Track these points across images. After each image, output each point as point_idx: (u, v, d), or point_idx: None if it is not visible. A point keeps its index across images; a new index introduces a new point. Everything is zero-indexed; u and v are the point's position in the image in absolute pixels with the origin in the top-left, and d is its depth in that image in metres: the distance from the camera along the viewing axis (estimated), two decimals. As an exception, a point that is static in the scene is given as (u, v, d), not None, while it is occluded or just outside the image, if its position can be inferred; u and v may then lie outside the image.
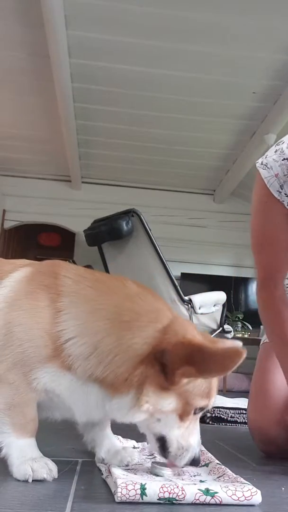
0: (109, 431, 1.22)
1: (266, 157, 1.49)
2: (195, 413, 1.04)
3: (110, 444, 1.21)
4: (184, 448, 1.03)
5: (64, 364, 1.01)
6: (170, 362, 0.96)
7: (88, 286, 1.07)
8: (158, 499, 0.93)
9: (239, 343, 1.05)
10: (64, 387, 1.03)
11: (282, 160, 1.44)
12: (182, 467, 1.07)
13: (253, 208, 1.53)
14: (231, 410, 2.16)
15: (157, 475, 1.07)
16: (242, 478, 1.04)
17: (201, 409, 1.04)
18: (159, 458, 1.16)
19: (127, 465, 1.16)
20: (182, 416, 1.01)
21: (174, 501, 0.93)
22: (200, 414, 1.06)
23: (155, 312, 1.04)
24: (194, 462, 1.05)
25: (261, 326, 3.58)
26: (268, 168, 1.46)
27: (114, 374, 0.98)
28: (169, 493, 0.93)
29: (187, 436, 1.03)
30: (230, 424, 2.13)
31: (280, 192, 1.44)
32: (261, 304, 1.51)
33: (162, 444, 1.04)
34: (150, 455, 1.27)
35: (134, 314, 1.02)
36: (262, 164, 1.48)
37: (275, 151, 1.47)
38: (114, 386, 0.99)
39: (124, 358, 0.98)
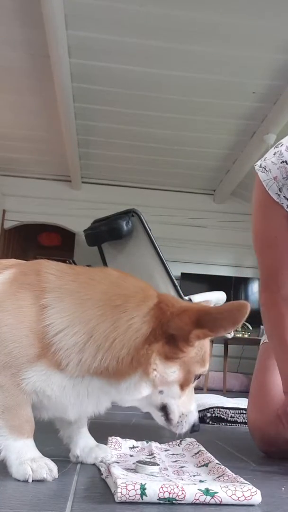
0: (85, 430, 1.23)
1: (264, 160, 1.49)
2: (194, 380, 1.09)
3: (85, 442, 1.22)
4: (185, 414, 1.08)
5: (53, 362, 1.00)
6: (180, 330, 1.00)
7: (71, 280, 1.07)
8: (158, 499, 0.93)
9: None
10: (55, 386, 1.02)
11: (281, 163, 1.44)
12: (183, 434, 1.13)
13: (254, 211, 1.54)
14: (231, 410, 2.16)
15: (144, 474, 1.07)
16: (242, 478, 1.04)
17: (197, 377, 1.10)
18: (144, 457, 1.19)
19: (101, 461, 1.18)
20: (183, 385, 1.06)
21: (174, 501, 0.93)
22: (195, 383, 1.12)
23: (142, 291, 1.07)
24: (194, 428, 1.11)
25: (261, 326, 3.58)
26: (266, 171, 1.46)
27: (117, 360, 0.99)
28: (169, 493, 0.93)
29: (187, 403, 1.09)
30: (230, 424, 2.13)
31: (279, 195, 1.44)
32: (263, 305, 1.51)
33: (165, 413, 1.08)
34: (149, 455, 1.27)
35: (124, 297, 1.03)
36: (260, 167, 1.48)
37: (274, 154, 1.47)
38: (120, 372, 1.00)
39: (124, 341, 0.99)
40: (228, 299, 3.65)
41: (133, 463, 1.15)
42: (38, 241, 7.52)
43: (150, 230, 3.95)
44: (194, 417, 1.10)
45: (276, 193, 1.44)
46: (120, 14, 3.00)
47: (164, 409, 1.08)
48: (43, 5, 2.82)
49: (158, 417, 1.10)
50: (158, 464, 1.13)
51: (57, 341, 0.99)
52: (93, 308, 1.01)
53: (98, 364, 0.99)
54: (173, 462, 1.24)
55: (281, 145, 1.48)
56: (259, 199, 1.49)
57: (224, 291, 3.58)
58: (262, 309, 1.51)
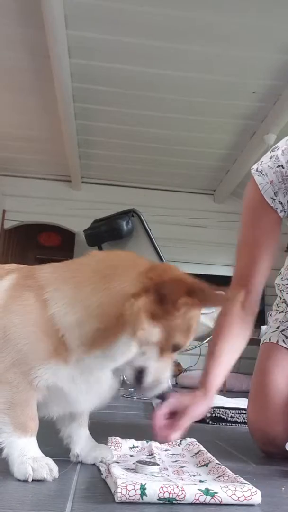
0: (86, 430, 1.24)
1: (261, 164, 1.49)
2: (173, 350, 1.11)
3: (85, 442, 1.23)
4: (158, 380, 1.10)
5: (61, 352, 1.04)
6: (172, 293, 1.04)
7: (63, 271, 1.14)
8: (158, 499, 0.93)
9: None
10: (65, 378, 1.06)
11: (277, 167, 1.45)
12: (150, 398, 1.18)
13: (242, 213, 1.53)
14: (231, 410, 2.16)
15: (144, 474, 1.07)
16: (242, 478, 1.04)
17: (177, 347, 1.11)
18: (144, 457, 1.19)
19: (101, 461, 1.19)
20: (162, 350, 1.08)
21: (174, 501, 0.94)
22: (175, 354, 1.13)
23: (130, 260, 1.14)
24: (161, 396, 1.16)
25: (262, 326, 3.58)
26: (263, 175, 1.46)
27: (107, 320, 1.03)
28: (169, 493, 0.93)
29: (162, 370, 1.11)
30: (230, 424, 2.13)
31: (274, 199, 1.45)
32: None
33: (140, 375, 1.09)
34: (149, 455, 1.27)
35: (112, 268, 1.10)
36: (257, 170, 1.49)
37: (270, 158, 1.48)
38: (110, 332, 1.03)
39: (114, 301, 1.03)
40: (228, 299, 3.65)
41: (133, 463, 1.15)
42: (38, 241, 7.52)
43: (150, 230, 3.96)
44: (165, 384, 1.13)
45: (271, 197, 1.45)
46: (120, 14, 3.00)
47: (140, 371, 1.10)
48: (43, 5, 2.82)
49: (132, 376, 1.11)
50: (158, 464, 1.13)
51: (62, 324, 1.05)
52: (86, 286, 1.07)
53: (94, 332, 1.03)
54: (173, 462, 1.24)
55: (278, 149, 1.48)
56: (252, 202, 1.50)
57: (224, 291, 3.58)
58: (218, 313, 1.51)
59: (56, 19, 2.94)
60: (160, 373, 1.10)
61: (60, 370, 1.05)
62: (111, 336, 1.03)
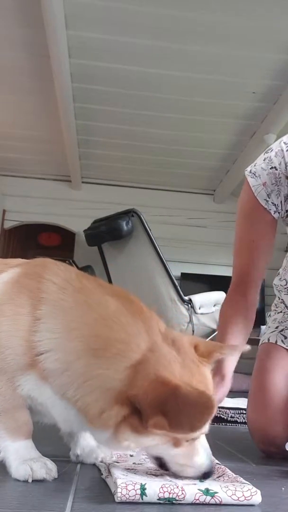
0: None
1: (255, 165, 1.50)
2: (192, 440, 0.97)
3: (86, 442, 1.22)
4: (188, 465, 0.99)
5: (43, 375, 0.99)
6: (142, 410, 0.89)
7: (70, 296, 1.02)
8: (158, 499, 0.93)
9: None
10: (45, 396, 1.01)
11: (270, 168, 1.45)
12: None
13: (238, 214, 1.55)
14: (231, 410, 2.16)
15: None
16: (242, 478, 1.04)
17: (194, 438, 0.97)
18: (144, 457, 1.17)
19: (101, 461, 1.18)
20: (176, 444, 0.96)
21: (174, 501, 0.94)
22: (202, 435, 1.01)
23: (125, 342, 0.95)
24: (205, 476, 1.00)
25: (261, 326, 3.58)
26: (256, 176, 1.47)
27: (85, 402, 0.94)
28: (169, 493, 0.93)
29: (190, 456, 0.98)
30: (230, 424, 2.13)
31: (267, 200, 1.46)
32: (225, 303, 1.54)
33: (160, 462, 1.02)
34: (150, 455, 1.27)
35: (102, 342, 0.96)
36: (250, 172, 1.49)
37: (264, 160, 1.49)
38: (89, 417, 0.94)
39: (94, 386, 0.94)
40: (228, 299, 3.65)
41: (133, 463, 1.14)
42: (38, 241, 7.52)
43: (150, 230, 3.96)
44: (200, 470, 0.99)
45: (265, 199, 1.45)
46: (120, 14, 3.00)
47: (159, 459, 1.01)
48: (43, 5, 2.81)
49: (154, 463, 1.03)
50: None
51: (42, 360, 0.98)
52: (75, 341, 0.97)
53: (72, 395, 0.95)
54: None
55: (271, 151, 1.49)
56: (246, 204, 1.51)
57: (224, 291, 3.58)
58: (222, 306, 1.54)
59: (56, 19, 2.93)
60: (187, 459, 0.98)
61: (41, 386, 1.00)
62: (90, 422, 0.94)
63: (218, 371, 1.33)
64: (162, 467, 1.02)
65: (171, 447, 0.96)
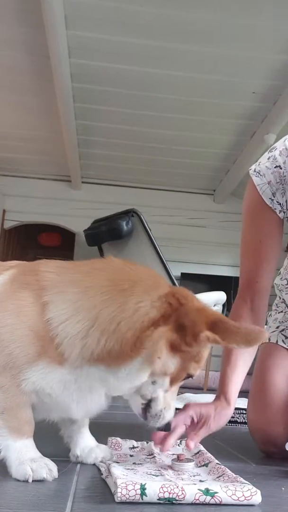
0: (87, 430, 1.23)
1: (259, 164, 1.49)
2: (182, 380, 1.08)
3: (85, 442, 1.22)
4: (165, 409, 1.06)
5: (55, 356, 0.99)
6: (194, 324, 0.98)
7: (71, 273, 1.07)
8: (158, 499, 0.93)
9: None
10: (56, 383, 1.01)
11: (275, 167, 1.45)
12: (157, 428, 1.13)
13: (243, 215, 1.54)
14: (231, 410, 2.16)
15: (180, 472, 1.11)
16: (242, 478, 1.04)
17: (189, 376, 1.07)
18: (177, 456, 1.18)
19: (101, 461, 1.18)
20: (173, 380, 1.05)
21: (174, 501, 0.94)
22: (182, 382, 1.10)
23: (152, 278, 1.06)
24: (167, 426, 1.12)
25: (261, 326, 3.58)
26: (261, 175, 1.46)
27: (121, 342, 0.97)
28: (169, 493, 0.93)
29: (170, 399, 1.07)
30: (230, 424, 2.13)
31: (272, 199, 1.45)
32: (232, 311, 1.51)
33: (147, 404, 1.06)
34: (149, 455, 1.27)
35: (131, 282, 1.02)
36: (255, 171, 1.49)
37: (268, 158, 1.48)
38: (122, 356, 0.98)
39: (131, 323, 0.97)
40: (228, 299, 3.66)
41: (172, 460, 1.17)
42: (38, 241, 7.52)
43: (150, 230, 3.96)
44: (171, 414, 1.09)
45: (270, 198, 1.45)
46: (120, 14, 3.00)
47: (148, 400, 1.06)
48: (43, 5, 2.82)
49: (137, 405, 1.07)
50: (193, 460, 1.17)
51: (60, 331, 0.98)
52: (97, 294, 1.00)
53: (102, 349, 0.98)
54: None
55: (275, 149, 1.48)
56: (251, 203, 1.50)
57: (224, 291, 3.58)
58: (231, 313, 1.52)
59: (56, 19, 2.94)
60: (166, 403, 1.06)
61: (50, 374, 1.00)
62: (121, 358, 0.98)
63: (222, 393, 1.33)
64: (145, 411, 1.07)
65: (168, 385, 1.04)
